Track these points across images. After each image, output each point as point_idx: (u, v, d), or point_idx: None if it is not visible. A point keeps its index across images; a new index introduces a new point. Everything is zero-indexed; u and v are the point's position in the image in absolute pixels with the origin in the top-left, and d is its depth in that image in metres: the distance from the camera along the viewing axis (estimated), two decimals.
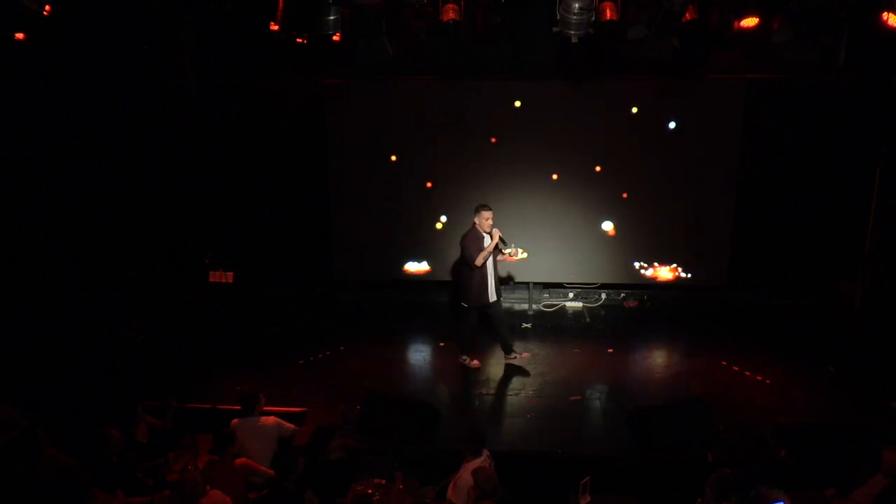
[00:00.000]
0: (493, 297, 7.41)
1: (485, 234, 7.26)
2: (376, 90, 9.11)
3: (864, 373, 7.56)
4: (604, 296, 9.69)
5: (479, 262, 7.18)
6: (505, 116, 8.99)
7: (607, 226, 9.19)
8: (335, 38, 6.50)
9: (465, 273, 7.41)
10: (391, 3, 6.34)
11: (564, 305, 9.67)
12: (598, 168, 9.05)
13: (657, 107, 8.88)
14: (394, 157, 9.25)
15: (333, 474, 5.70)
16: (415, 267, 9.53)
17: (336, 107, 9.20)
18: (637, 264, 9.28)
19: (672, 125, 8.82)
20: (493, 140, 9.04)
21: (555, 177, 9.13)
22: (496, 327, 7.71)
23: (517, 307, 9.63)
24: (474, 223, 7.32)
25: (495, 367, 7.88)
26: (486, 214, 7.22)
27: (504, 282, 7.80)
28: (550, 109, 8.96)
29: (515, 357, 7.81)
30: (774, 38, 6.55)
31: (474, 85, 8.99)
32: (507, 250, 7.33)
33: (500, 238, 7.23)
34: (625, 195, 9.10)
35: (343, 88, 9.16)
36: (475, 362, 7.78)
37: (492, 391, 7.36)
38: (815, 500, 5.31)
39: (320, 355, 8.20)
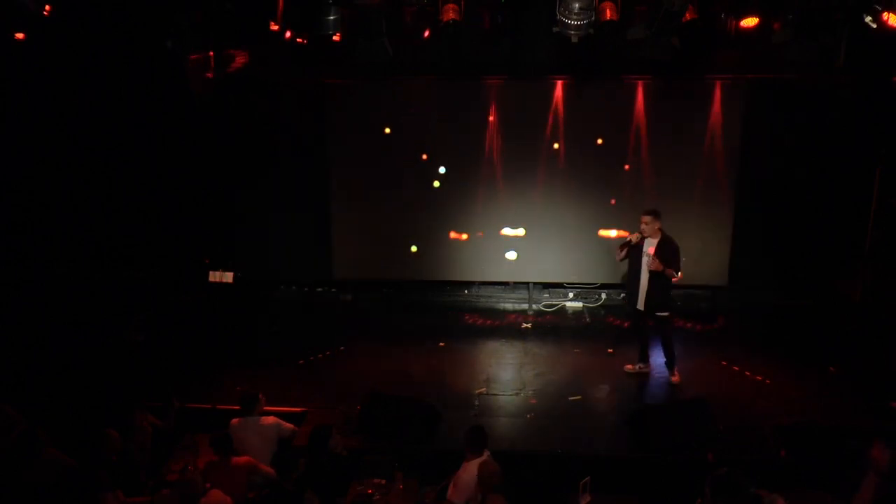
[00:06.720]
0: (640, 305, 7.24)
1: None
2: (376, 90, 9.11)
3: (864, 373, 7.56)
4: (604, 296, 9.70)
5: (618, 257, 7.40)
6: (505, 116, 8.99)
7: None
8: (335, 38, 6.50)
9: None
10: (391, 3, 6.34)
11: (564, 305, 9.67)
12: (599, 140, 9.00)
13: (657, 107, 8.87)
14: (393, 158, 9.25)
15: (333, 474, 5.69)
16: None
17: (336, 107, 9.20)
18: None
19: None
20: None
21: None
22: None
23: (517, 307, 9.65)
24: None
25: (495, 367, 7.88)
26: (643, 218, 7.16)
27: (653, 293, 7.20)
28: (550, 109, 8.95)
29: (632, 369, 7.63)
30: (774, 38, 6.55)
31: (474, 85, 9.00)
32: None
33: (636, 240, 7.15)
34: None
35: (343, 88, 9.16)
36: (675, 378, 7.46)
37: (492, 391, 7.36)
38: (814, 500, 5.31)
39: (320, 355, 8.20)
